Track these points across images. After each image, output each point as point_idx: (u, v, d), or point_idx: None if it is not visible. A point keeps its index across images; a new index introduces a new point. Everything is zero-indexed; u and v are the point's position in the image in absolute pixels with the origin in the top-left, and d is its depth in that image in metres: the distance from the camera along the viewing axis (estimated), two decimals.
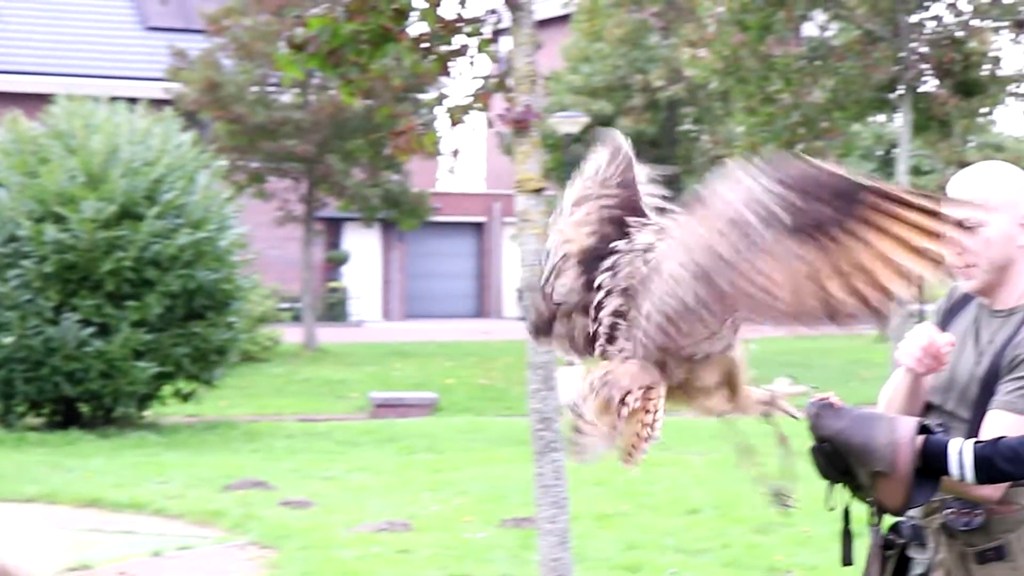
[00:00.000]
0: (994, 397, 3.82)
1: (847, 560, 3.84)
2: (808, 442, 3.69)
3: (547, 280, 3.55)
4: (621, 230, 3.47)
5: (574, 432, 3.34)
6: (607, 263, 3.42)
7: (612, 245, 3.44)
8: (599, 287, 3.41)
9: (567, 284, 3.49)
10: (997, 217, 3.83)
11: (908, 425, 3.60)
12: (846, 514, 3.80)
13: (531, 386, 6.75)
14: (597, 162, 3.68)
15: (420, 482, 14.10)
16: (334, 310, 47.02)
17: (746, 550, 10.60)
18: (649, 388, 3.31)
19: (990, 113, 21.37)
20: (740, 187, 3.04)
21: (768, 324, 3.10)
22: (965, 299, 4.11)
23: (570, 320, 3.51)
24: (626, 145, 3.68)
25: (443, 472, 14.90)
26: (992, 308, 4.00)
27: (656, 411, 3.28)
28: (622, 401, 3.28)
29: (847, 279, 3.00)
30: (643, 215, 3.51)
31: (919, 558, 4.00)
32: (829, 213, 2.98)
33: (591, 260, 3.46)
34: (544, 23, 46.51)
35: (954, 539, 3.90)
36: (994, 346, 3.91)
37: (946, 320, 4.12)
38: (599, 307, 3.41)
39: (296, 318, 36.89)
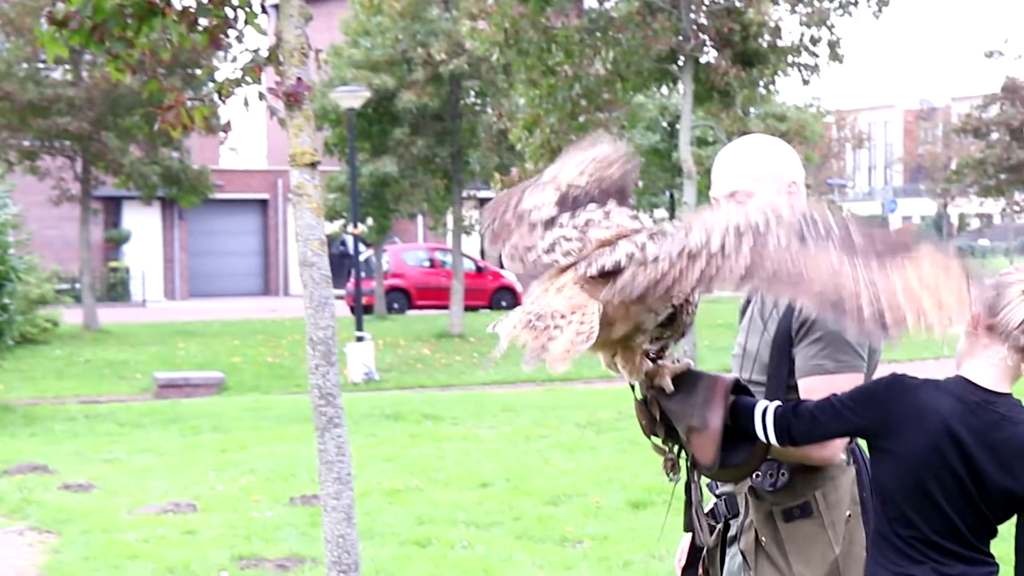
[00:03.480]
0: (797, 365, 3.95)
1: (688, 526, 3.98)
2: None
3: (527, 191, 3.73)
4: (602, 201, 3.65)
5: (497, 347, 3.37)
6: (577, 212, 3.61)
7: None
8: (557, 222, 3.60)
9: (542, 201, 3.66)
10: (764, 188, 4.03)
11: (723, 383, 3.69)
12: (688, 485, 3.88)
13: (311, 362, 6.65)
14: (607, 151, 3.80)
15: (206, 462, 13.92)
16: (115, 290, 46.28)
17: (537, 522, 10.67)
18: (582, 308, 3.37)
19: (771, 83, 21.67)
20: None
21: (782, 295, 3.35)
22: None
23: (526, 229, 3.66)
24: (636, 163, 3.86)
25: (229, 452, 14.73)
26: None
27: (591, 323, 3.34)
28: (556, 326, 3.34)
29: (872, 291, 3.09)
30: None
31: (734, 523, 4.17)
32: (875, 246, 3.17)
33: (566, 200, 3.64)
34: None
35: (761, 500, 4.04)
36: (778, 310, 4.04)
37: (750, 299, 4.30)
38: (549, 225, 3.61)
39: (76, 299, 36.15)
